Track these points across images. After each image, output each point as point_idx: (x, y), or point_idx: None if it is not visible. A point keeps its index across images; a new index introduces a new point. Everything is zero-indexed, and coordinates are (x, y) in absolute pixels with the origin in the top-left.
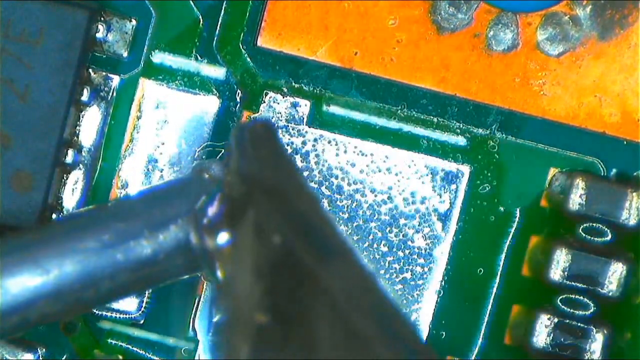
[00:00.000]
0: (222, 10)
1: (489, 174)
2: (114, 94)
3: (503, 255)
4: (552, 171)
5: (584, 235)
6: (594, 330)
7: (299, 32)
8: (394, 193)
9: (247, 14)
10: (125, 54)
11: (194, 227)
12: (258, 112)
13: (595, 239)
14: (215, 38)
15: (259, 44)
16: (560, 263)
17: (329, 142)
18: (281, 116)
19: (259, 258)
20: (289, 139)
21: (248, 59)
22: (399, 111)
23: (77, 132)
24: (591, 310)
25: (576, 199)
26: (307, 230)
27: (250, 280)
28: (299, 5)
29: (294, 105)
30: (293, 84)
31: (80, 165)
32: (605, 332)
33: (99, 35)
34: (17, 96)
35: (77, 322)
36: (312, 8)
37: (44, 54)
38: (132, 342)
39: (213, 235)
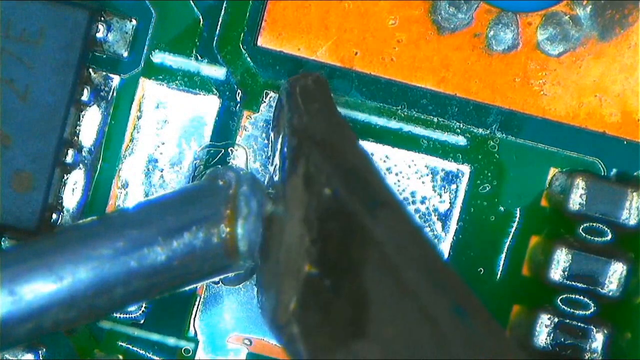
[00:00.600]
0: (222, 10)
1: (489, 174)
2: (114, 94)
3: (503, 255)
4: (552, 171)
5: (584, 235)
6: (594, 330)
7: (299, 32)
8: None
9: (247, 14)
10: (125, 54)
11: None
12: (258, 112)
13: (596, 238)
14: (216, 38)
15: (259, 43)
16: (560, 263)
17: None
18: None
19: (308, 209)
20: None
21: (248, 59)
22: (399, 111)
23: (77, 132)
24: (591, 310)
25: (576, 199)
26: (356, 183)
27: (300, 231)
28: (299, 5)
29: None
30: None
31: (81, 165)
32: (605, 332)
33: (99, 35)
34: (17, 96)
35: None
36: (312, 8)
37: (44, 54)
38: (132, 342)
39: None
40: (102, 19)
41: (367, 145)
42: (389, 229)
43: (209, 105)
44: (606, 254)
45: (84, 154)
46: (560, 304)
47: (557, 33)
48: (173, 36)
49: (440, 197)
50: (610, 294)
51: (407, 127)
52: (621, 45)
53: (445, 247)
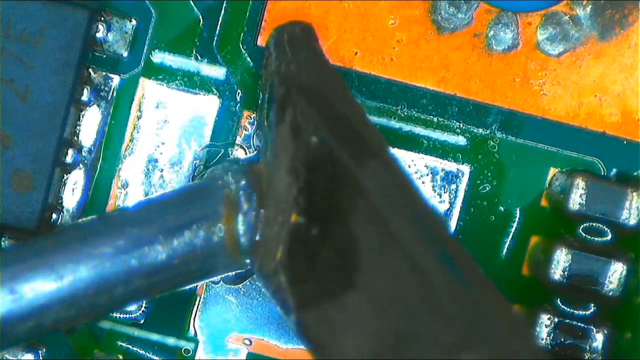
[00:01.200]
0: (222, 10)
1: (489, 174)
2: (114, 94)
3: (503, 255)
4: (552, 171)
5: (584, 235)
6: (594, 330)
7: None
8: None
9: (247, 14)
10: (125, 54)
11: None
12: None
13: (596, 238)
14: (216, 38)
15: (259, 43)
16: (560, 263)
17: None
18: None
19: (295, 157)
20: None
21: (248, 59)
22: (399, 111)
23: (77, 132)
24: (591, 310)
25: (576, 199)
26: (345, 131)
27: (288, 179)
28: (299, 5)
29: None
30: None
31: (81, 165)
32: (606, 332)
33: (99, 35)
34: (17, 96)
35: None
36: (312, 8)
37: (44, 53)
38: (132, 342)
39: None
40: (102, 19)
41: None
42: (377, 179)
43: (209, 105)
44: (606, 254)
45: (84, 153)
46: (560, 304)
47: (557, 33)
48: (173, 36)
49: (440, 197)
50: (610, 294)
51: (407, 127)
52: (621, 45)
53: None
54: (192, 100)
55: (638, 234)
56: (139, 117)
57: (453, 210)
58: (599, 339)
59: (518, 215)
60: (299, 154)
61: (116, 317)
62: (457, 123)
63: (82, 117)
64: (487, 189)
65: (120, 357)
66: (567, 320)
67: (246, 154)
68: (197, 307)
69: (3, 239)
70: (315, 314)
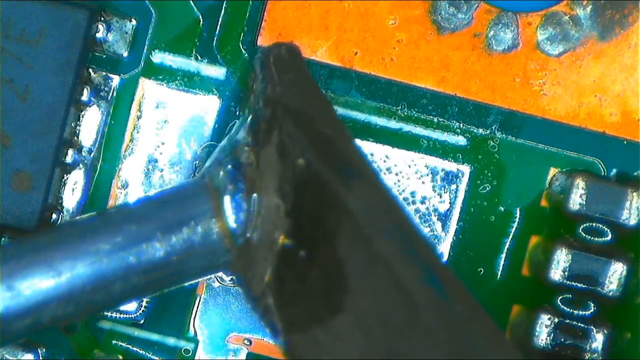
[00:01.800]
0: (222, 10)
1: (489, 174)
2: (114, 94)
3: (503, 255)
4: (552, 171)
5: (584, 235)
6: (594, 330)
7: (299, 32)
8: (394, 193)
9: (247, 14)
10: (125, 54)
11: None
12: None
13: (596, 239)
14: (216, 38)
15: (259, 44)
16: (560, 263)
17: None
18: None
19: (282, 179)
20: None
21: (248, 59)
22: (399, 111)
23: (77, 132)
24: (591, 310)
25: (576, 199)
26: (331, 153)
27: (275, 201)
28: (299, 5)
29: None
30: None
31: (80, 165)
32: (606, 332)
33: (99, 35)
34: (17, 96)
35: (77, 322)
36: (312, 8)
37: (44, 54)
38: (132, 342)
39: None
40: (102, 19)
41: (367, 145)
42: (362, 199)
43: (208, 105)
44: (606, 254)
45: (83, 154)
46: (560, 304)
47: (557, 33)
48: (173, 36)
49: (440, 197)
50: (610, 294)
51: (407, 127)
52: (621, 45)
53: (445, 247)
54: (192, 100)
55: (638, 234)
56: (139, 117)
57: (453, 211)
58: (599, 339)
59: (518, 215)
60: (285, 176)
61: (116, 317)
62: (457, 123)
63: (82, 117)
64: (487, 189)
65: (120, 357)
66: (567, 321)
67: None
68: (197, 307)
69: (3, 239)
70: (303, 336)
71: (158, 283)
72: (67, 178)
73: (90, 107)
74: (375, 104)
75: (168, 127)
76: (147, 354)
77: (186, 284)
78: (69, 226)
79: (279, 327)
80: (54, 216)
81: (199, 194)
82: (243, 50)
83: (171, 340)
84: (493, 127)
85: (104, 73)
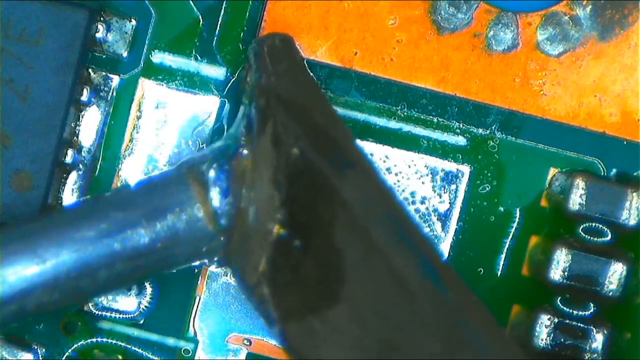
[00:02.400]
0: (222, 10)
1: (489, 174)
2: (114, 94)
3: (503, 255)
4: (552, 171)
5: (584, 235)
6: (594, 331)
7: (299, 32)
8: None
9: (247, 14)
10: (125, 54)
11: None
12: None
13: (595, 239)
14: (215, 38)
15: None
16: (560, 263)
17: None
18: None
19: (277, 169)
20: None
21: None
22: (399, 111)
23: (77, 132)
24: (591, 311)
25: (576, 199)
26: (325, 143)
27: (269, 191)
28: (299, 5)
29: None
30: None
31: (80, 165)
32: (605, 332)
33: (98, 35)
34: (17, 96)
35: (77, 322)
36: (312, 8)
37: (43, 54)
38: (132, 342)
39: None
40: (102, 19)
41: (367, 145)
42: (357, 189)
43: (208, 105)
44: (606, 254)
45: (83, 154)
46: (560, 304)
47: (557, 33)
48: (173, 36)
49: (440, 197)
50: (610, 294)
51: (407, 127)
52: (621, 46)
53: (445, 247)
54: (192, 100)
55: (638, 234)
56: (138, 117)
57: (453, 211)
58: (598, 340)
59: (518, 215)
60: (280, 165)
61: (116, 317)
62: (457, 123)
63: (82, 117)
64: (487, 189)
65: (120, 357)
66: (567, 321)
67: None
68: (197, 307)
69: None
70: (298, 325)
71: (143, 269)
72: (66, 178)
73: (90, 107)
74: (375, 104)
75: (168, 127)
76: (146, 354)
77: (173, 270)
78: (54, 213)
79: (274, 316)
80: None
81: (183, 181)
82: (243, 50)
83: (171, 341)
84: (493, 127)
85: (103, 73)
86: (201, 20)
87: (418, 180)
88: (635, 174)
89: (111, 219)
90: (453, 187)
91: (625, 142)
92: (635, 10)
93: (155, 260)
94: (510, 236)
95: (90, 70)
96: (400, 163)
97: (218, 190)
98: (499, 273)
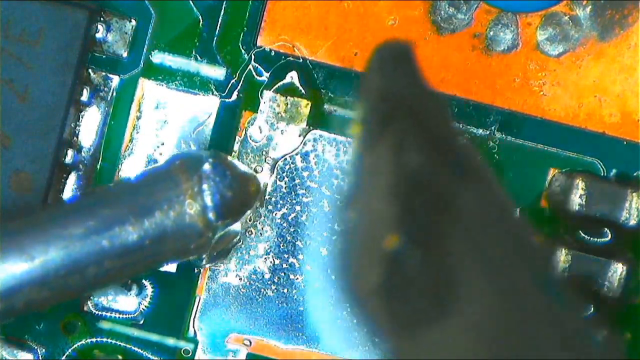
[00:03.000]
0: (222, 11)
1: None
2: (114, 94)
3: None
4: (552, 171)
5: (583, 235)
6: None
7: (298, 32)
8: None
9: (247, 14)
10: (125, 54)
11: None
12: (257, 112)
13: (595, 239)
14: (215, 38)
15: (258, 44)
16: (560, 263)
17: (329, 142)
18: (281, 116)
19: (396, 178)
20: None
21: (248, 59)
22: None
23: (77, 132)
24: (591, 311)
25: (576, 200)
26: (446, 153)
27: (385, 200)
28: (298, 5)
29: (294, 105)
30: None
31: (80, 166)
32: (605, 332)
33: (98, 35)
34: (17, 96)
35: (77, 322)
36: (312, 8)
37: (43, 54)
38: (132, 342)
39: None
40: (102, 19)
41: None
42: (476, 203)
43: (208, 106)
44: (606, 254)
45: (83, 154)
46: None
47: (557, 33)
48: (172, 36)
49: None
50: (610, 294)
51: None
52: (621, 46)
53: None
54: (191, 100)
55: (638, 234)
56: (138, 118)
57: None
58: None
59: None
60: (399, 174)
61: (116, 317)
62: (457, 123)
63: (82, 117)
64: None
65: (120, 357)
66: None
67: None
68: (197, 308)
69: None
70: (410, 340)
71: (132, 267)
72: (66, 178)
73: (89, 107)
74: None
75: (168, 127)
76: (146, 354)
77: (163, 265)
78: (42, 211)
79: (385, 330)
80: None
81: (174, 177)
82: (243, 50)
83: (171, 341)
84: (493, 128)
85: (103, 73)
86: (201, 20)
87: None
88: (635, 174)
89: (99, 216)
90: None
91: (625, 143)
92: (635, 10)
93: (143, 257)
94: None
95: (90, 70)
96: None
97: (212, 185)
98: None
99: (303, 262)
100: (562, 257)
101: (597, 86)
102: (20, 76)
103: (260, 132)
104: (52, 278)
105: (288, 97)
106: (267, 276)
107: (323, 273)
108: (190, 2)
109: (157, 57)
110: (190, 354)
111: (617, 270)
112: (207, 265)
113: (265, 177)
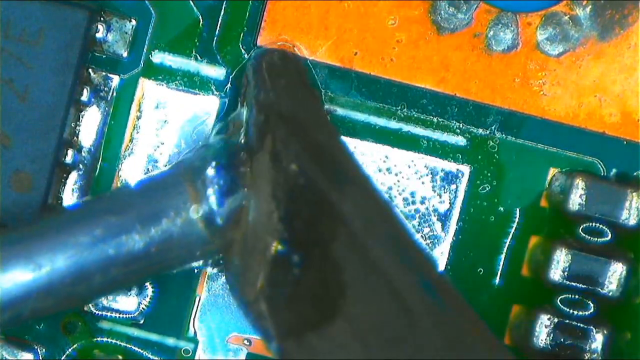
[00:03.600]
0: (222, 10)
1: (489, 174)
2: (114, 94)
3: (503, 256)
4: (552, 171)
5: (583, 235)
6: (594, 331)
7: (298, 33)
8: (394, 193)
9: (247, 14)
10: (125, 54)
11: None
12: None
13: (595, 239)
14: (215, 38)
15: (259, 44)
16: (560, 263)
17: None
18: None
19: (275, 185)
20: None
21: (248, 59)
22: (399, 111)
23: (77, 132)
24: (591, 311)
25: (576, 199)
26: (323, 159)
27: (268, 207)
28: (298, 5)
29: None
30: None
31: (80, 166)
32: (605, 332)
33: (98, 35)
34: (17, 96)
35: (77, 322)
36: (312, 8)
37: (43, 54)
38: (132, 342)
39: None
40: (102, 19)
41: (367, 146)
42: (356, 205)
43: (208, 106)
44: (606, 254)
45: (83, 154)
46: (560, 304)
47: (557, 33)
48: (173, 36)
49: (440, 197)
50: (610, 294)
51: (407, 128)
52: (621, 46)
53: (444, 248)
54: (191, 100)
55: (638, 234)
56: (138, 118)
57: (453, 211)
58: (598, 340)
59: (518, 215)
60: (278, 182)
61: (116, 317)
62: (457, 123)
63: (82, 117)
64: (487, 189)
65: (120, 357)
66: (567, 321)
67: None
68: (197, 308)
69: None
70: (296, 342)
71: (138, 274)
72: (66, 178)
73: (90, 107)
74: (375, 104)
75: (168, 127)
76: (146, 354)
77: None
78: (48, 218)
79: (272, 333)
80: None
81: (179, 183)
82: (243, 50)
83: (171, 341)
84: (493, 127)
85: (103, 73)
86: (201, 20)
87: (418, 180)
88: (635, 174)
89: (106, 223)
90: (453, 187)
91: (625, 142)
92: (635, 10)
93: (149, 265)
94: (510, 236)
95: (90, 70)
96: (400, 163)
97: (216, 189)
98: (499, 273)
99: None
100: (562, 257)
101: (597, 86)
102: (20, 76)
103: None
104: (58, 286)
105: None
106: None
107: None
108: (190, 2)
109: (157, 57)
110: (191, 353)
111: (617, 270)
112: (215, 269)
113: None
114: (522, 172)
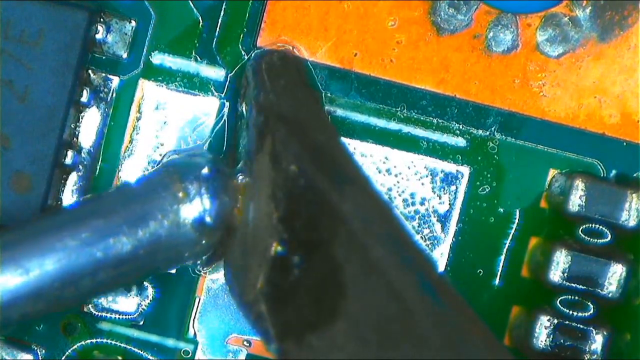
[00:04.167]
0: (222, 11)
1: (489, 175)
2: (114, 95)
3: (503, 257)
4: (552, 172)
5: (583, 236)
6: (594, 332)
7: (298, 33)
8: (394, 194)
9: (247, 15)
10: (124, 55)
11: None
12: None
13: (595, 240)
14: (215, 39)
15: (258, 45)
16: (560, 264)
17: None
18: None
19: (275, 186)
20: None
21: (248, 60)
22: (399, 112)
23: (77, 133)
24: (591, 312)
25: (576, 200)
26: (323, 160)
27: (267, 208)
28: (298, 6)
29: None
30: None
31: (80, 167)
32: (605, 333)
33: (98, 36)
34: (17, 97)
35: (77, 323)
36: (311, 9)
37: (43, 55)
38: (132, 343)
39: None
40: (102, 20)
41: (367, 147)
42: (356, 206)
43: (208, 107)
44: (606, 255)
45: (83, 155)
46: (560, 306)
47: (557, 34)
48: (172, 37)
49: (440, 198)
50: (610, 295)
51: (407, 129)
52: (621, 47)
53: (444, 249)
54: (191, 101)
55: (638, 235)
56: (138, 119)
57: (452, 212)
58: (598, 341)
59: (517, 216)
60: (278, 182)
61: (115, 318)
62: (457, 124)
63: (82, 118)
64: (487, 190)
65: (120, 358)
66: (567, 322)
67: None
68: (197, 309)
69: None
70: (297, 343)
71: (127, 277)
72: (66, 179)
73: (89, 108)
74: (375, 105)
75: (167, 128)
76: (146, 355)
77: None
78: (36, 222)
79: (271, 333)
80: None
81: (167, 184)
82: (243, 51)
83: (170, 342)
84: (492, 129)
85: (103, 74)
86: (201, 21)
87: (418, 181)
88: (634, 175)
89: (93, 227)
90: (453, 188)
91: (625, 144)
92: (634, 11)
93: (138, 267)
94: (510, 237)
95: (90, 71)
96: (400, 164)
97: (207, 188)
98: (499, 274)
99: None
100: (562, 257)
101: (597, 87)
102: (20, 77)
103: None
104: (47, 291)
105: None
106: None
107: None
108: (190, 2)
109: (157, 58)
110: (190, 354)
111: (617, 271)
112: (205, 270)
113: None
114: (522, 173)
